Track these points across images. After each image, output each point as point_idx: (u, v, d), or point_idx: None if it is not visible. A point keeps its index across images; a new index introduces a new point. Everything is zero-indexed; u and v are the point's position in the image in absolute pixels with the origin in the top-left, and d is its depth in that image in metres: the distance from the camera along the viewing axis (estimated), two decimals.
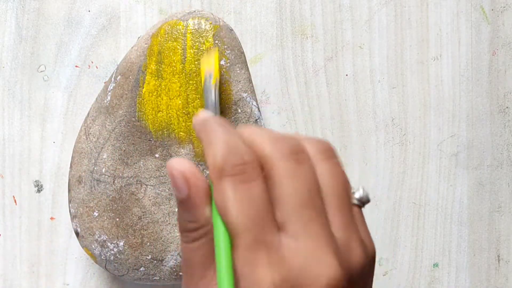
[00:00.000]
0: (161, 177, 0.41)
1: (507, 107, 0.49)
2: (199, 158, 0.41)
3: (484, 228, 0.49)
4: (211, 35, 0.41)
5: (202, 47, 0.41)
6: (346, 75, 0.48)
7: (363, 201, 0.30)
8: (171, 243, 0.41)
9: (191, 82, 0.41)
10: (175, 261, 0.42)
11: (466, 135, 0.49)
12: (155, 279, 0.42)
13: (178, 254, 0.42)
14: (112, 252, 0.42)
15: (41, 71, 0.46)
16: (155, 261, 0.42)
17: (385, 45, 0.48)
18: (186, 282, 0.28)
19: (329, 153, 0.28)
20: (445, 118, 0.49)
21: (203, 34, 0.41)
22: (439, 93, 0.48)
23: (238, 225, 0.25)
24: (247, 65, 0.41)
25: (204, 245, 0.27)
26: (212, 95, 0.37)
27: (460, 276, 0.49)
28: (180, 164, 0.27)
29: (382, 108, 0.48)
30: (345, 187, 0.28)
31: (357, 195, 0.29)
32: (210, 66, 0.38)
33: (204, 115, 0.30)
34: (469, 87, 0.49)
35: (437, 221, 0.49)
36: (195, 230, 0.27)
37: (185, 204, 0.27)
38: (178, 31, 0.41)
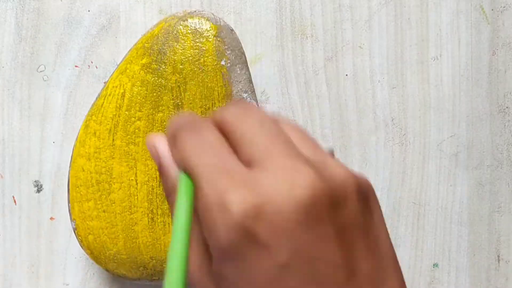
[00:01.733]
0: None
1: (507, 107, 0.49)
2: None
3: (484, 228, 0.49)
4: (212, 35, 0.41)
5: (204, 47, 0.41)
6: (346, 75, 0.48)
7: (332, 152, 0.28)
8: (169, 243, 0.41)
9: (187, 83, 0.41)
10: None
11: (466, 135, 0.49)
12: (154, 279, 0.42)
13: None
14: (112, 251, 0.42)
15: (40, 71, 0.46)
16: (155, 261, 0.42)
17: (385, 45, 0.48)
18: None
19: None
20: (445, 118, 0.49)
21: (204, 34, 0.41)
22: (439, 93, 0.48)
23: (199, 165, 0.24)
24: (247, 65, 0.41)
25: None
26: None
27: (460, 276, 0.49)
28: (153, 137, 0.27)
29: (382, 108, 0.48)
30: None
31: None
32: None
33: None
34: (469, 87, 0.49)
35: (437, 221, 0.49)
36: (169, 195, 0.27)
37: (160, 171, 0.27)
38: (179, 31, 0.41)
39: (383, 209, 0.48)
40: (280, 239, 0.22)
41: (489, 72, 0.49)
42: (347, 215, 0.24)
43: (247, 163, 0.24)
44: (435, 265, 0.49)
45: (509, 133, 0.49)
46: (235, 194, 0.22)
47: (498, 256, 0.49)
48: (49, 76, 0.46)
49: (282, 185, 0.23)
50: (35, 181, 0.46)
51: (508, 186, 0.49)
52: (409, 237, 0.49)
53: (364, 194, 0.25)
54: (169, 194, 0.27)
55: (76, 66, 0.46)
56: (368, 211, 0.25)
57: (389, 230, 0.49)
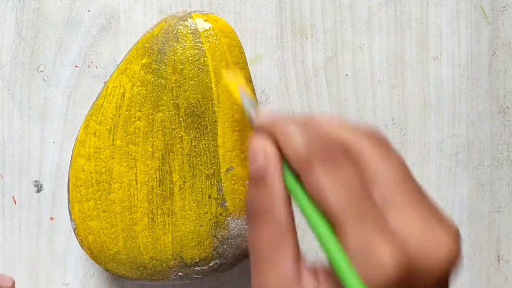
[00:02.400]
0: (160, 176, 0.41)
1: (507, 107, 0.49)
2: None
3: (484, 228, 0.49)
4: (212, 35, 0.41)
5: (204, 47, 0.41)
6: (346, 75, 0.48)
7: None
8: (169, 243, 0.42)
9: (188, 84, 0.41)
10: (174, 261, 0.42)
11: (466, 135, 0.49)
12: (154, 279, 0.42)
13: (177, 253, 0.42)
14: (112, 251, 0.42)
15: (40, 71, 0.46)
16: (154, 261, 0.42)
17: (385, 45, 0.48)
18: (256, 269, 0.27)
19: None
20: (445, 118, 0.49)
21: (204, 34, 0.41)
22: (439, 93, 0.48)
23: (343, 209, 0.24)
24: (247, 65, 0.41)
25: (272, 227, 0.27)
26: (254, 107, 0.35)
27: (460, 276, 0.49)
28: (263, 142, 0.27)
29: (382, 108, 0.48)
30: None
31: None
32: (242, 87, 0.37)
33: (267, 112, 0.29)
34: (469, 87, 0.49)
35: None
36: (265, 213, 0.27)
37: (258, 180, 0.27)
38: (179, 31, 0.41)
39: None
40: None
41: (489, 72, 0.49)
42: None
43: (382, 203, 0.25)
44: None
45: (509, 133, 0.49)
46: (386, 249, 0.23)
47: (498, 256, 0.49)
48: (49, 76, 0.46)
49: (425, 246, 0.24)
50: (35, 181, 0.46)
51: (508, 186, 0.49)
52: None
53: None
54: (259, 206, 0.27)
55: (76, 66, 0.46)
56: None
57: None
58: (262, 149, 0.27)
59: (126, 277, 0.43)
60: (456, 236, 0.25)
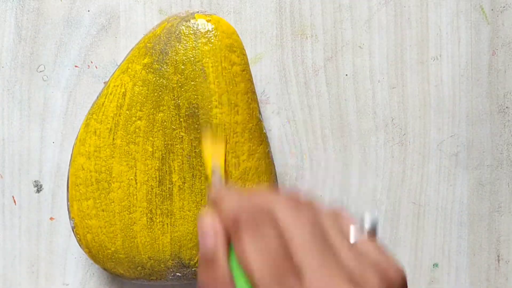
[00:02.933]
0: (160, 176, 0.41)
1: (507, 107, 0.49)
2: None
3: (484, 228, 0.49)
4: (214, 36, 0.41)
5: (204, 47, 0.41)
6: (346, 75, 0.48)
7: (374, 226, 0.30)
8: (168, 243, 0.42)
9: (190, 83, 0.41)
10: (172, 261, 0.42)
11: (466, 135, 0.49)
12: (152, 278, 0.42)
13: (175, 254, 0.42)
14: (110, 251, 0.42)
15: (40, 71, 0.46)
16: (152, 261, 0.42)
17: (385, 45, 0.48)
18: None
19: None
20: (445, 118, 0.49)
21: (206, 35, 0.41)
22: (439, 93, 0.48)
23: (261, 277, 0.26)
24: (249, 66, 0.41)
25: None
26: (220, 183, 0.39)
27: (460, 276, 0.49)
28: (210, 221, 0.29)
29: (382, 108, 0.48)
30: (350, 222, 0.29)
31: (366, 224, 0.30)
32: (218, 159, 0.40)
33: (221, 187, 0.33)
34: (469, 87, 0.49)
35: (437, 221, 0.49)
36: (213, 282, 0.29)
37: (208, 258, 0.29)
38: (181, 31, 0.41)
39: (383, 209, 0.48)
40: None
41: (489, 72, 0.49)
42: None
43: (297, 269, 0.27)
44: (435, 265, 0.49)
45: (509, 133, 0.49)
46: None
47: (498, 256, 0.49)
48: (49, 76, 0.46)
49: None
50: (35, 181, 0.46)
51: (508, 186, 0.49)
52: (409, 237, 0.49)
53: None
54: (214, 282, 0.29)
55: (76, 66, 0.46)
56: None
57: (389, 230, 0.49)
58: (211, 227, 0.30)
59: (124, 277, 0.43)
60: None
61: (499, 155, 0.49)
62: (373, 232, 0.30)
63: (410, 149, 0.48)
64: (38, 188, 0.46)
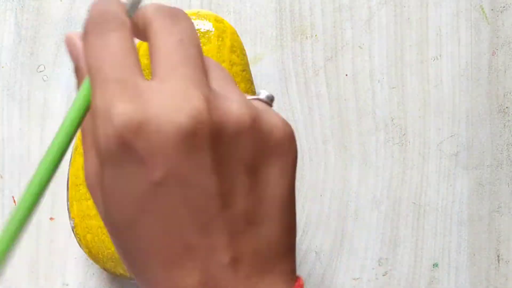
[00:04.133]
0: None
1: (507, 107, 0.49)
2: None
3: (484, 228, 0.49)
4: (214, 35, 0.41)
5: (204, 47, 0.41)
6: (346, 75, 0.48)
7: (271, 99, 0.28)
8: None
9: None
10: None
11: (466, 135, 0.49)
12: None
13: None
14: (110, 251, 0.42)
15: (40, 71, 0.46)
16: None
17: (385, 45, 0.48)
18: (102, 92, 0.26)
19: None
20: (445, 118, 0.49)
21: (206, 35, 0.41)
22: (439, 93, 0.49)
23: (96, 70, 0.24)
24: (249, 66, 0.41)
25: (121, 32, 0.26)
26: None
27: (460, 276, 0.49)
28: (73, 35, 0.27)
29: (382, 108, 0.48)
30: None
31: (263, 95, 0.28)
32: None
33: None
34: (469, 87, 0.49)
35: (437, 221, 0.49)
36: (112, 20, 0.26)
37: (75, 73, 0.27)
38: None
39: (383, 209, 0.48)
40: (155, 158, 0.23)
41: (489, 72, 0.49)
42: (232, 151, 0.25)
43: (152, 73, 0.25)
44: (435, 265, 0.49)
45: (509, 133, 0.49)
46: (120, 106, 0.23)
47: (498, 256, 0.49)
48: (49, 76, 0.46)
49: (168, 108, 0.23)
50: None
51: (508, 186, 0.49)
52: (409, 237, 0.49)
53: (266, 140, 0.26)
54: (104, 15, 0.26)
55: None
56: (266, 157, 0.26)
57: (389, 230, 0.48)
58: (71, 43, 0.27)
59: (123, 276, 0.43)
60: (203, 107, 0.24)
61: (499, 155, 0.49)
62: (270, 102, 0.28)
63: (410, 149, 0.48)
64: None
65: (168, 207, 0.24)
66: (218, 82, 0.26)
